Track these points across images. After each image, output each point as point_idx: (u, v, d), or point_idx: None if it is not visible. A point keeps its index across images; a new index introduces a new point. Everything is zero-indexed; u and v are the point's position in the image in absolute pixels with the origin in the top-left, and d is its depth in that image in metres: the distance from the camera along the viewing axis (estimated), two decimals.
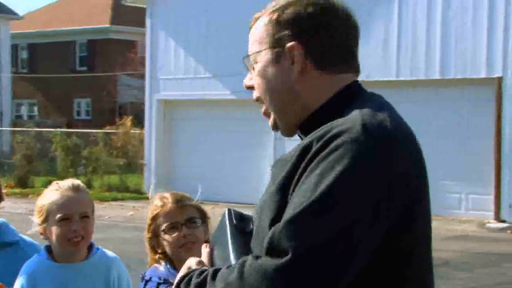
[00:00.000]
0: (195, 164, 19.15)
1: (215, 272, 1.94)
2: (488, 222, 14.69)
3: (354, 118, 1.91)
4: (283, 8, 2.09)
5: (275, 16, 2.09)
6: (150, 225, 3.12)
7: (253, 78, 2.12)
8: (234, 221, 2.12)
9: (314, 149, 1.89)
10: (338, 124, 1.91)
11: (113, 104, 39.81)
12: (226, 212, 2.17)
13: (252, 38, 2.13)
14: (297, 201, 1.85)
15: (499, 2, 15.19)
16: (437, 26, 15.77)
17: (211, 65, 18.88)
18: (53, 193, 3.13)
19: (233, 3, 18.45)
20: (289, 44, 2.04)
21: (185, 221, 3.06)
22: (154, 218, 3.10)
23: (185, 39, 19.35)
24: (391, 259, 1.90)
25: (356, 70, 2.11)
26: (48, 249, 3.18)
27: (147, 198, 19.42)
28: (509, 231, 14.09)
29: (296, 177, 1.90)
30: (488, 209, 14.93)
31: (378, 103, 2.01)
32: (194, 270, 2.05)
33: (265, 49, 2.08)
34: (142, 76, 34.95)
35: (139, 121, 27.11)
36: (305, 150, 1.92)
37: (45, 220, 3.11)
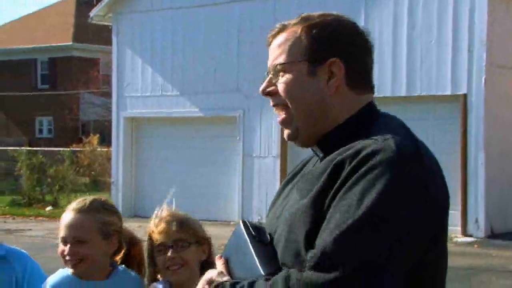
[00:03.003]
0: (162, 182, 19.11)
1: (252, 285, 1.96)
2: (456, 237, 14.89)
3: (386, 139, 2.00)
4: (322, 25, 2.14)
5: (314, 31, 2.14)
6: (147, 242, 3.14)
7: (278, 86, 2.17)
8: (253, 233, 2.15)
9: (349, 167, 1.96)
10: (369, 144, 1.99)
11: (75, 122, 39.56)
12: (242, 225, 2.20)
13: (282, 46, 2.17)
14: (340, 217, 1.90)
15: (463, 20, 15.48)
16: (403, 45, 16.01)
17: (178, 83, 18.92)
18: (64, 213, 3.15)
19: (198, 21, 18.54)
20: (331, 60, 2.11)
21: (172, 244, 3.05)
22: (149, 237, 3.13)
23: (152, 57, 19.37)
24: (420, 275, 1.99)
25: (373, 90, 2.20)
26: None
27: None
28: (476, 245, 14.31)
29: (332, 192, 1.96)
30: (455, 224, 15.13)
31: (400, 125, 2.11)
32: (222, 283, 2.06)
33: (300, 61, 2.13)
34: (105, 94, 34.85)
35: (103, 139, 27.01)
36: (337, 167, 1.99)
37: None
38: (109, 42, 20.79)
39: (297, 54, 2.14)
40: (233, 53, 18.04)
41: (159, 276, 3.13)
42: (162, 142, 19.32)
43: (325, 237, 1.90)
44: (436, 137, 15.53)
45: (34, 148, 25.28)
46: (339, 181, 1.96)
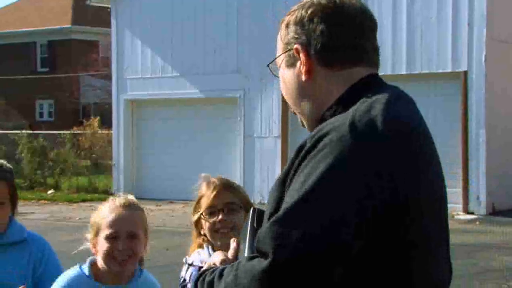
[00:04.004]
0: (163, 164, 19.14)
1: (222, 271, 1.99)
2: (457, 214, 14.92)
3: (346, 116, 1.95)
4: (291, 14, 2.16)
5: (285, 21, 2.16)
6: (195, 208, 3.19)
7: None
8: (255, 222, 2.17)
9: (305, 147, 1.94)
10: (330, 123, 1.96)
11: (75, 105, 39.55)
12: (251, 211, 2.22)
13: (277, 46, 2.21)
14: (287, 200, 1.90)
15: None
16: (403, 22, 15.96)
17: (178, 64, 18.88)
18: (105, 209, 3.10)
19: (198, 1, 18.47)
20: (294, 47, 2.11)
21: (223, 206, 3.11)
22: (198, 202, 3.18)
23: (151, 39, 19.31)
24: (387, 253, 1.91)
25: (369, 63, 2.13)
26: (93, 265, 3.11)
27: None
28: (477, 223, 14.33)
29: (291, 174, 1.96)
30: (456, 201, 15.14)
31: (382, 97, 2.01)
32: (211, 268, 2.10)
33: (280, 54, 2.16)
34: (105, 77, 34.79)
35: (103, 122, 26.99)
36: (300, 148, 1.97)
37: (95, 236, 3.08)
38: (108, 24, 20.72)
39: (279, 48, 2.18)
40: (233, 34, 17.98)
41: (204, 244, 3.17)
42: (163, 124, 19.31)
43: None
44: (437, 115, 15.50)
45: (35, 132, 25.27)
46: (296, 162, 1.95)
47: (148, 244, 3.15)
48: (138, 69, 19.55)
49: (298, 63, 2.11)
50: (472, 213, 15.18)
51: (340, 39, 2.09)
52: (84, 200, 19.11)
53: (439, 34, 15.61)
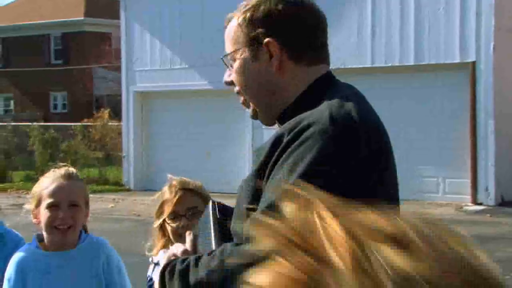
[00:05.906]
0: (173, 155, 19.18)
1: (197, 260, 2.05)
2: (466, 205, 14.86)
3: (323, 110, 2.03)
4: (254, 7, 2.19)
5: (248, 15, 2.19)
6: (157, 212, 3.20)
7: (232, 75, 2.24)
8: (218, 215, 2.22)
9: (285, 140, 2.00)
10: (307, 116, 2.03)
11: (89, 97, 39.66)
12: (210, 205, 2.27)
13: (228, 37, 2.25)
14: (272, 191, 1.95)
15: None
16: (411, 12, 15.89)
17: (187, 56, 18.90)
18: (46, 179, 3.18)
19: None
20: (265, 40, 2.15)
21: (185, 212, 3.11)
22: (161, 206, 3.19)
23: (160, 31, 19.34)
24: None
25: (327, 61, 2.23)
26: (39, 237, 3.22)
27: (127, 190, 19.44)
28: (486, 214, 14.29)
29: (270, 166, 2.01)
30: (465, 192, 15.10)
31: (347, 94, 2.11)
32: (177, 258, 2.15)
33: (241, 48, 2.20)
34: (117, 68, 34.83)
35: (116, 114, 27.05)
36: (277, 140, 2.03)
37: (37, 206, 3.17)
38: (119, 16, 20.78)
39: (238, 42, 2.21)
40: None
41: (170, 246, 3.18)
42: (172, 116, 19.35)
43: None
44: (445, 105, 15.46)
45: (46, 124, 25.39)
46: (275, 154, 2.00)
47: (89, 214, 3.23)
48: (147, 61, 19.59)
49: (264, 57, 2.16)
50: (480, 204, 15.12)
51: (308, 36, 2.18)
52: (94, 192, 19.09)
53: (447, 24, 15.53)
